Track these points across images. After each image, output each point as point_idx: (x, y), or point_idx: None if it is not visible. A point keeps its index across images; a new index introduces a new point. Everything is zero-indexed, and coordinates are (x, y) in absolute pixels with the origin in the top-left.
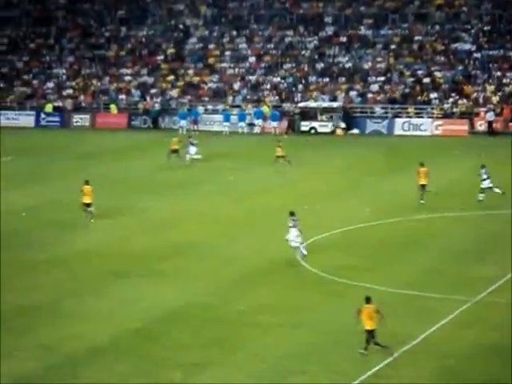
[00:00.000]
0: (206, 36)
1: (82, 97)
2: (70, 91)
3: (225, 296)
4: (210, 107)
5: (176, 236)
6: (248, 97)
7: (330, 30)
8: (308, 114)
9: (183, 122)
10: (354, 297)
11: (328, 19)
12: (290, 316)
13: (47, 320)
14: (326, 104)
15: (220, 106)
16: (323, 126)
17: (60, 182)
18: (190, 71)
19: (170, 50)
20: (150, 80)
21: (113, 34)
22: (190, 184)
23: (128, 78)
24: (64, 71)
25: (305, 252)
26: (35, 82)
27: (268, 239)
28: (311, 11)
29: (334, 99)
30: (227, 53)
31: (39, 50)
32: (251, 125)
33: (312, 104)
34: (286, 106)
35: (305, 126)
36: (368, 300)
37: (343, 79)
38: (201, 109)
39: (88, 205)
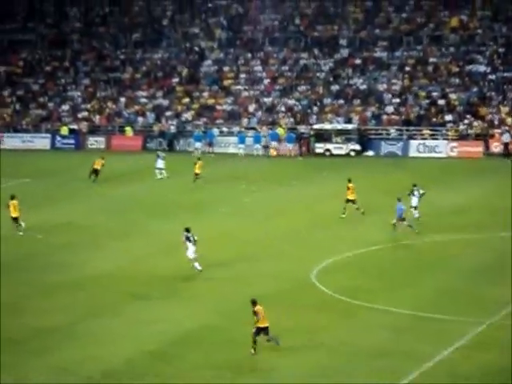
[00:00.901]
0: (220, 58)
1: (97, 119)
2: (86, 114)
3: (239, 318)
4: (225, 129)
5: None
6: (263, 119)
7: (344, 52)
8: (323, 136)
9: (198, 144)
10: (369, 318)
11: (343, 41)
12: (304, 338)
13: (64, 342)
14: (340, 126)
15: (235, 128)
16: (338, 148)
17: (75, 204)
18: (205, 93)
19: (185, 73)
20: (165, 102)
21: (128, 57)
22: (205, 206)
23: (143, 100)
24: (79, 94)
25: (199, 267)
26: (51, 104)
27: (283, 261)
28: (326, 33)
29: (349, 121)
30: (242, 75)
31: (55, 73)
32: (266, 147)
33: (327, 126)
34: (301, 128)
35: (319, 147)
36: (254, 303)
37: (358, 101)
38: (216, 131)
39: (16, 219)
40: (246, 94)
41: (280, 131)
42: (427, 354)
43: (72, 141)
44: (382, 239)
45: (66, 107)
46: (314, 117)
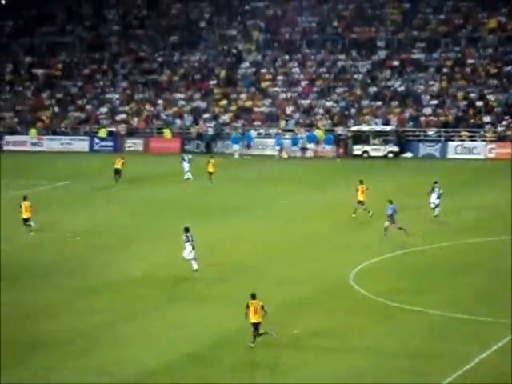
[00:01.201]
0: (258, 60)
1: (135, 121)
2: (124, 116)
3: (276, 320)
4: (262, 131)
5: (228, 260)
6: (300, 121)
7: (382, 54)
8: (360, 138)
9: (236, 147)
10: (406, 320)
11: (380, 43)
12: (342, 340)
13: (101, 344)
14: (378, 128)
15: (272, 130)
16: (376, 149)
17: (113, 206)
18: (243, 95)
19: (223, 75)
20: (203, 104)
21: (166, 59)
22: (242, 208)
23: (181, 102)
24: (117, 96)
25: (195, 267)
26: (89, 107)
27: (320, 263)
28: (364, 35)
29: (387, 123)
30: (280, 77)
31: (93, 76)
32: (304, 149)
33: (364, 128)
34: (339, 129)
35: (357, 149)
36: (253, 296)
37: (396, 103)
38: (253, 133)
39: (26, 220)
40: (283, 95)
41: (317, 133)
42: (464, 356)
43: (110, 143)
44: (419, 241)
45: (104, 110)
46: (352, 119)
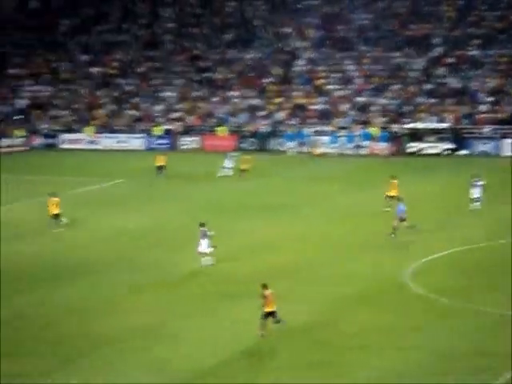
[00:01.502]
0: (313, 58)
1: (190, 119)
2: (179, 114)
3: (330, 318)
4: (317, 129)
5: (283, 258)
6: (355, 118)
7: (437, 51)
8: (416, 136)
9: (291, 144)
10: (463, 319)
11: (436, 40)
12: (397, 338)
13: (156, 341)
14: (433, 125)
15: (327, 128)
16: (431, 147)
17: (168, 204)
18: (298, 93)
19: (278, 73)
20: (258, 102)
21: (220, 57)
22: (297, 206)
23: (236, 100)
24: (172, 94)
25: (210, 262)
26: (144, 105)
27: (376, 261)
28: (419, 32)
29: (442, 120)
30: (334, 74)
31: (148, 74)
32: (359, 146)
33: (420, 125)
34: (394, 127)
35: (412, 147)
36: (265, 286)
37: (451, 100)
38: (308, 131)
39: (57, 215)
40: (338, 93)
41: (372, 131)
42: None
43: (166, 141)
44: (477, 238)
45: (159, 108)
46: (407, 116)
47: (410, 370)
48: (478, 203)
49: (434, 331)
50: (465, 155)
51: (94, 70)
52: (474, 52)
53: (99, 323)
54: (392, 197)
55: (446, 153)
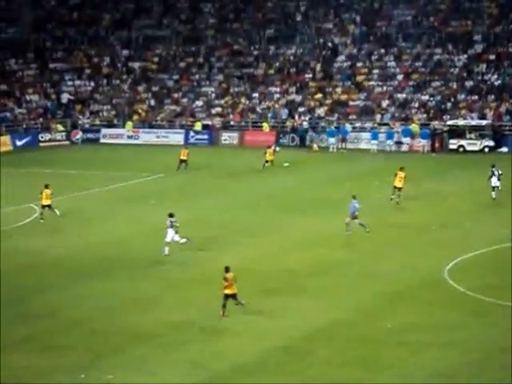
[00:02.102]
0: (354, 54)
1: (230, 115)
2: (219, 109)
3: (371, 314)
4: (357, 125)
5: (323, 253)
6: (396, 115)
7: (478, 48)
8: (456, 132)
9: (332, 140)
10: (501, 316)
11: (477, 37)
12: (437, 335)
13: (195, 336)
14: (474, 122)
15: (368, 124)
16: (472, 144)
17: (208, 199)
18: (338, 89)
19: (318, 68)
20: (298, 98)
21: (261, 53)
22: (338, 201)
23: (276, 96)
24: (213, 89)
25: (183, 240)
26: (185, 100)
27: (414, 257)
28: (460, 29)
29: (483, 117)
30: (375, 71)
31: (189, 69)
32: (399, 143)
33: (460, 122)
34: (435, 124)
35: (453, 144)
36: (227, 269)
37: (492, 97)
38: (348, 127)
39: (48, 206)
40: (379, 89)
41: (413, 127)
42: None
43: (205, 136)
44: None
45: (199, 103)
46: (448, 113)
47: (448, 367)
48: (496, 191)
49: (472, 328)
50: (505, 152)
51: (135, 64)
52: None
53: (135, 319)
54: (398, 188)
55: (486, 150)
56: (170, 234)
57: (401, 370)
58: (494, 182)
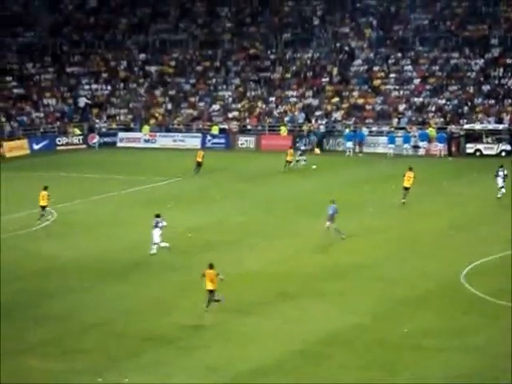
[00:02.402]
0: (370, 58)
1: (247, 119)
2: (236, 113)
3: (388, 318)
4: (374, 129)
5: (340, 257)
6: (413, 119)
7: (495, 52)
8: (473, 136)
9: (349, 144)
10: None
11: (494, 41)
12: (453, 339)
13: (212, 340)
14: (491, 126)
15: (385, 128)
16: (488, 148)
17: (225, 202)
18: (355, 93)
19: (335, 72)
20: (315, 102)
21: (278, 57)
22: (355, 205)
23: (293, 100)
24: (230, 93)
25: (163, 244)
26: (201, 104)
27: (431, 261)
28: (477, 33)
29: (500, 121)
30: (392, 75)
31: (205, 73)
32: (416, 147)
33: (477, 126)
34: (452, 128)
35: (470, 148)
36: (211, 266)
37: (509, 101)
38: (365, 131)
39: (43, 207)
40: (395, 93)
41: (430, 131)
42: None
43: (222, 140)
44: None
45: (216, 107)
46: (465, 117)
47: (464, 370)
48: (503, 190)
49: (490, 333)
50: None
51: (152, 68)
52: None
53: (152, 323)
54: (407, 188)
55: (503, 154)
56: (157, 235)
57: (417, 374)
58: (500, 183)
